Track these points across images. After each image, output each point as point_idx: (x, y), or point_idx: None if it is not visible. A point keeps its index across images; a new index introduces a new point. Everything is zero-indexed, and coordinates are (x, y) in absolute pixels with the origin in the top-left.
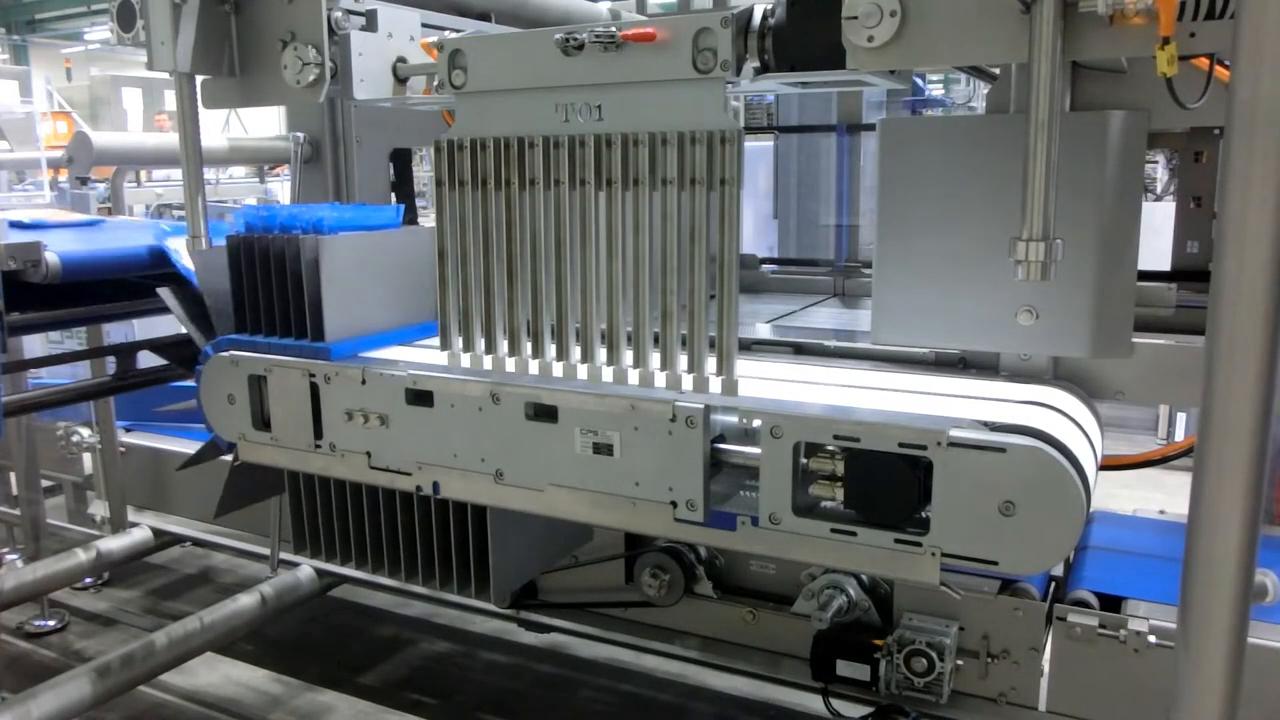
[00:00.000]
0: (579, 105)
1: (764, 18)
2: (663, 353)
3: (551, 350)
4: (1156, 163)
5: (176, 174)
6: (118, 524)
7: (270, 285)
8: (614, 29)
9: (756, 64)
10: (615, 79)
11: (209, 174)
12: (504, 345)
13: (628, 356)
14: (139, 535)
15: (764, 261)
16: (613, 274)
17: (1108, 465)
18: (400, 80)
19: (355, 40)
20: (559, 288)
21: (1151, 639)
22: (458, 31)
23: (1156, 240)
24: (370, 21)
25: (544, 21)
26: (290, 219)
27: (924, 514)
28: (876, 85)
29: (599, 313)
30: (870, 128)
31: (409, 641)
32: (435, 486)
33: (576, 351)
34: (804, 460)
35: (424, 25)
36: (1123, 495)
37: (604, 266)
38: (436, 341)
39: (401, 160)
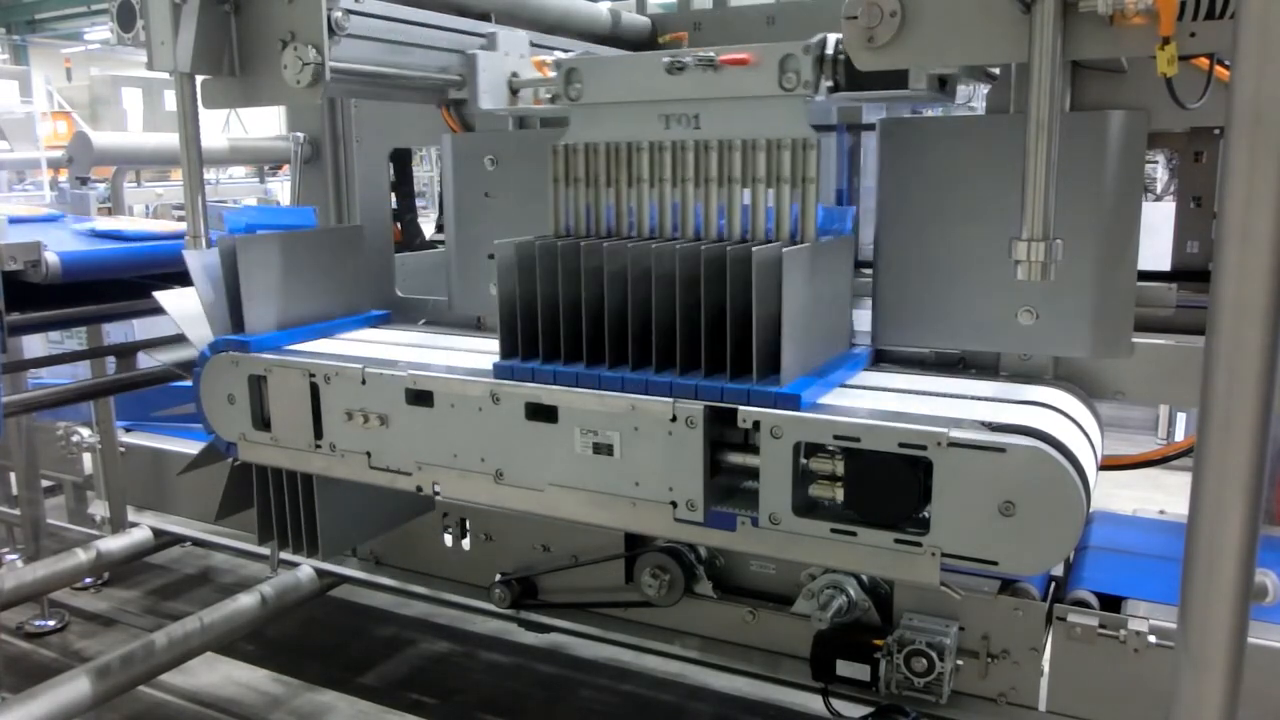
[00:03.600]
0: (680, 116)
1: (837, 45)
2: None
3: None
4: (1156, 163)
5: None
6: (118, 524)
7: (707, 310)
8: (713, 54)
9: (830, 84)
10: (712, 94)
11: (209, 174)
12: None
13: None
14: (139, 535)
15: None
16: None
17: (1108, 465)
18: (513, 91)
19: (480, 59)
20: None
21: (1151, 639)
22: (566, 51)
23: (1156, 240)
24: (490, 42)
25: (543, 21)
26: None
27: (924, 514)
28: (924, 97)
29: None
30: (870, 128)
31: (409, 641)
32: (435, 487)
33: None
34: (804, 460)
35: (532, 45)
36: (1123, 495)
37: None
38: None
39: (401, 160)
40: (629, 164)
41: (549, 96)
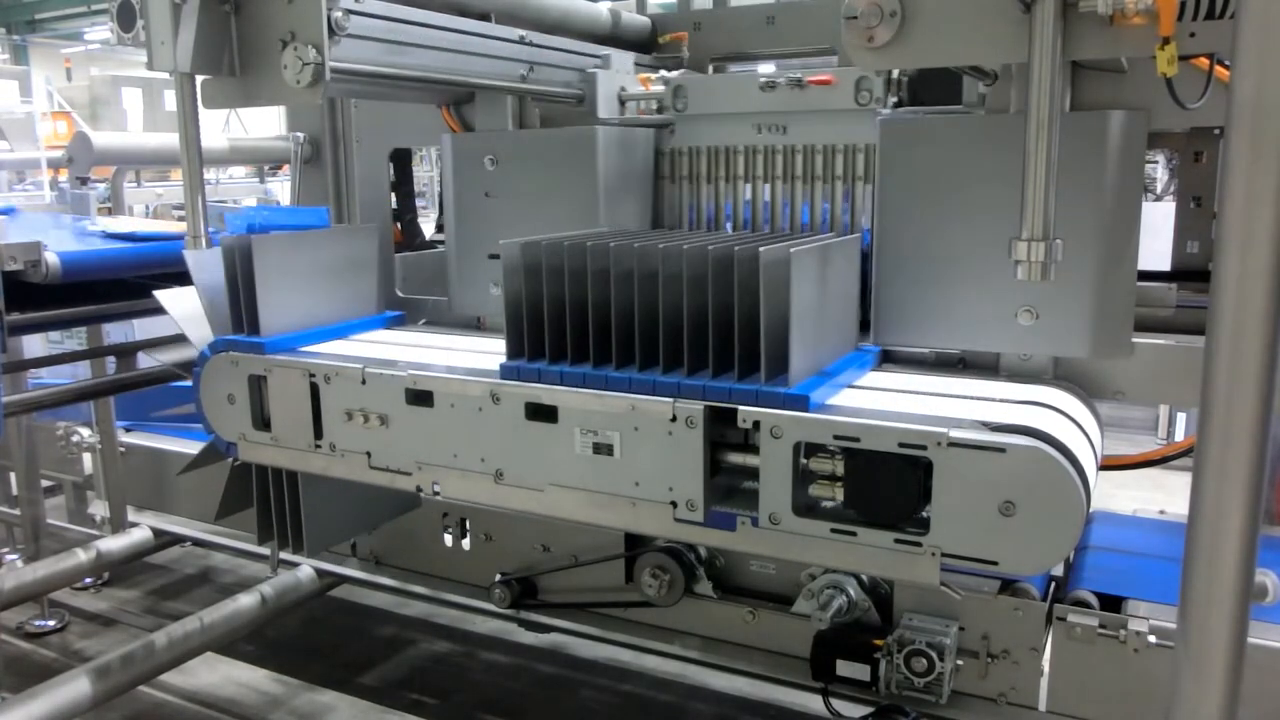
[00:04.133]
0: (771, 125)
1: (902, 69)
2: None
3: None
4: (1156, 163)
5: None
6: (118, 524)
7: (714, 310)
8: (801, 76)
9: (896, 100)
10: (799, 108)
11: (209, 174)
12: None
13: None
14: (139, 535)
15: None
16: None
17: (1108, 465)
18: (622, 103)
19: (600, 76)
20: None
21: (1151, 639)
22: (670, 71)
23: (1156, 240)
24: (605, 62)
25: (543, 21)
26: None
27: (924, 514)
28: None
29: None
30: None
31: (409, 641)
32: (435, 487)
33: None
34: (804, 460)
35: (636, 64)
36: (1123, 495)
37: None
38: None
39: (401, 160)
40: (726, 164)
41: (655, 107)
